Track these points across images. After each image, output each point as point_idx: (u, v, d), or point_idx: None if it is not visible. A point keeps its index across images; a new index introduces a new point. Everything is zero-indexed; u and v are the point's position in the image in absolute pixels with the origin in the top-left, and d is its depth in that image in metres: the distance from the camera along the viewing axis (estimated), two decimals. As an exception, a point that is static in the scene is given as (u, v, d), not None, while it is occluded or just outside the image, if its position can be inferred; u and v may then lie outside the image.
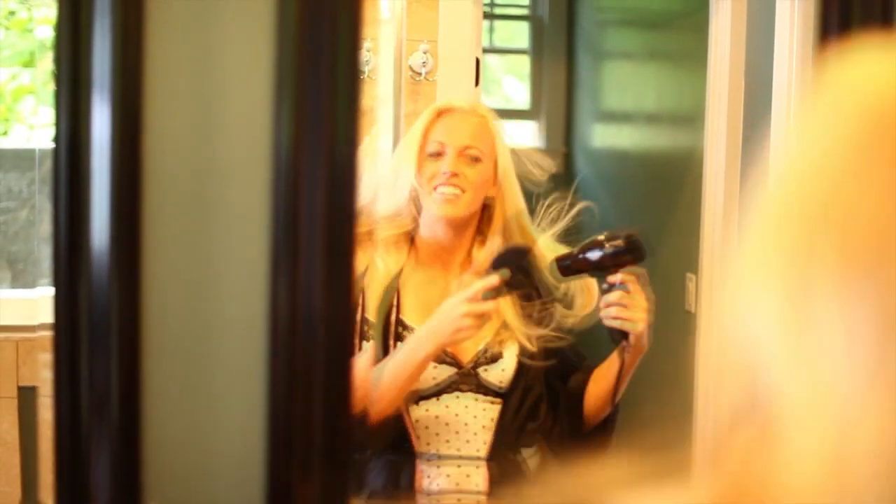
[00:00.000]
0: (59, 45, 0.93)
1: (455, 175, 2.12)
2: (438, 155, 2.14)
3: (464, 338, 2.02)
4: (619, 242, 2.02)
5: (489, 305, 2.00)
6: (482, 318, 2.00)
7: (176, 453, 1.00)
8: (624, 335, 2.03)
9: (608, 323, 2.04)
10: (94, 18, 0.92)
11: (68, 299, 0.94)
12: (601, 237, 2.03)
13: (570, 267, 2.07)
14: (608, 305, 2.03)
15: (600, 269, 2.05)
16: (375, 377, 2.03)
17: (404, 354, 2.05)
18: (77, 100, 0.93)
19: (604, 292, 2.04)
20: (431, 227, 2.17)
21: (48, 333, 0.97)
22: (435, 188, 2.12)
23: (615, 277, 2.02)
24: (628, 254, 2.03)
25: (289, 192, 0.94)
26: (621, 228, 2.05)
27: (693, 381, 3.36)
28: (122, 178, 0.93)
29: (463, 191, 2.12)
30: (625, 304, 2.01)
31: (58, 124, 0.94)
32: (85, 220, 0.93)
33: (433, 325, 2.04)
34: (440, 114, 2.17)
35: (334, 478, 0.97)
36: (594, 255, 2.04)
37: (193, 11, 0.97)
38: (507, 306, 2.18)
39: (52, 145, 0.94)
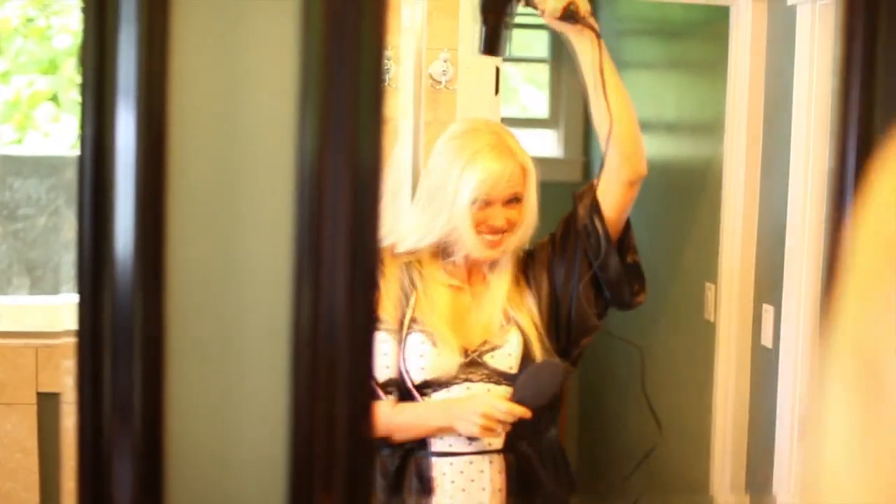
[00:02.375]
0: (84, 53, 0.94)
1: (503, 227, 2.18)
2: (487, 205, 2.17)
3: (467, 432, 2.09)
4: None
5: (505, 418, 2.07)
6: (495, 425, 2.08)
7: (198, 461, 1.00)
8: (574, 16, 2.22)
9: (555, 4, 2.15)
10: (119, 26, 0.93)
11: (92, 306, 0.94)
12: None
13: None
14: None
15: None
16: (379, 413, 2.08)
17: (413, 415, 2.14)
18: (102, 107, 0.93)
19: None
20: (462, 256, 2.22)
21: (70, 340, 0.97)
22: (480, 233, 2.17)
23: None
24: None
25: (312, 200, 0.94)
26: None
27: (712, 388, 3.36)
28: (147, 184, 0.94)
29: (505, 232, 2.18)
30: None
31: (82, 131, 0.94)
32: (109, 227, 0.94)
33: (451, 406, 2.12)
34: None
35: (356, 487, 0.97)
36: None
37: (219, 20, 0.98)
38: (504, 299, 2.22)
39: (76, 152, 0.95)
